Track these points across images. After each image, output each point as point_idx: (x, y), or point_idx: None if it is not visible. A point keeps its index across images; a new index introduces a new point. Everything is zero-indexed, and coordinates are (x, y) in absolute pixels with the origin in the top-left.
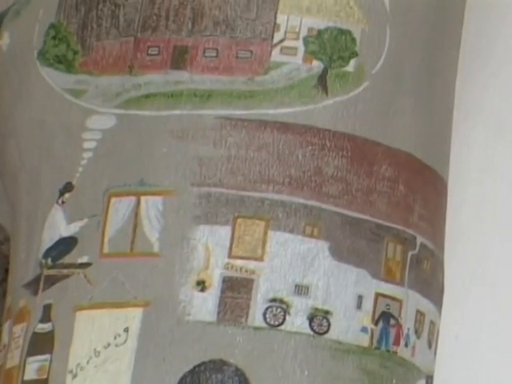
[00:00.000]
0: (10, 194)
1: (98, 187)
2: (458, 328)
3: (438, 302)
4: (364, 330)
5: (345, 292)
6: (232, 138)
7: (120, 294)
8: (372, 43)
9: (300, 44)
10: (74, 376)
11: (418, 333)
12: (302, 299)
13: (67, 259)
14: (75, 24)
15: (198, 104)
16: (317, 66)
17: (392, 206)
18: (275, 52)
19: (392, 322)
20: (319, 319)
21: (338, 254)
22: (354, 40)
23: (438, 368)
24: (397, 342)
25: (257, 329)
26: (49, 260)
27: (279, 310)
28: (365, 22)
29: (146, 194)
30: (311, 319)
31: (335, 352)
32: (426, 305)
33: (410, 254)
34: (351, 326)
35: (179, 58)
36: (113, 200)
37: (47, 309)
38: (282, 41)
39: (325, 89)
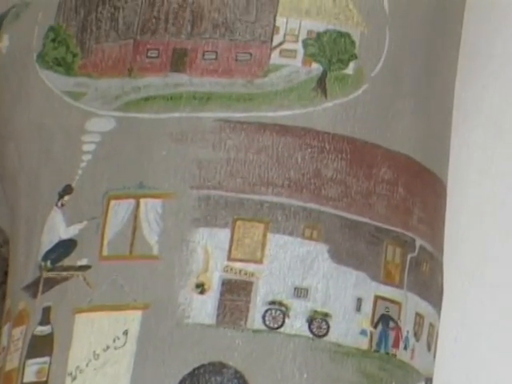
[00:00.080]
0: (9, 197)
1: (97, 190)
2: (457, 330)
3: (437, 304)
4: (363, 332)
5: (344, 295)
6: (231, 140)
7: (119, 296)
8: (371, 46)
9: (299, 47)
10: (74, 379)
11: (417, 335)
12: (301, 302)
13: (66, 262)
14: (74, 27)
15: (198, 107)
16: (316, 68)
17: (391, 208)
18: (274, 54)
19: (391, 324)
20: (318, 322)
21: (337, 256)
22: (353, 43)
23: (438, 370)
24: (396, 345)
25: (256, 331)
26: (48, 263)
27: (278, 312)
28: (364, 25)
29: (145, 196)
30: (310, 322)
31: (334, 355)
32: (425, 307)
33: (409, 256)
34: (350, 328)
35: (178, 61)
36: (112, 203)
37: (46, 311)
38: (281, 43)
39: (324, 91)
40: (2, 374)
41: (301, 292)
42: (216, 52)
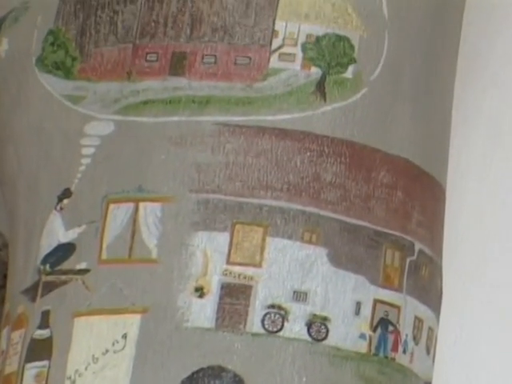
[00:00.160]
0: (8, 201)
1: (96, 193)
2: (456, 333)
3: (436, 308)
4: (362, 336)
5: (343, 298)
6: (230, 144)
7: (118, 300)
8: (370, 50)
9: (298, 50)
10: (73, 382)
11: (416, 339)
12: (300, 305)
13: (65, 265)
14: (74, 30)
15: (197, 110)
16: (315, 72)
17: (390, 212)
18: (273, 58)
19: (390, 328)
20: (317, 325)
21: (336, 260)
22: (352, 46)
23: (437, 374)
24: (395, 349)
25: (255, 335)
26: (47, 266)
27: (277, 316)
28: (363, 29)
29: (144, 200)
30: (309, 325)
31: (333, 358)
32: (424, 311)
33: (408, 260)
34: (349, 332)
35: (177, 65)
36: (111, 206)
37: (45, 315)
38: (280, 47)
39: (323, 95)
40: (1, 378)
41: (300, 296)
42: (215, 56)
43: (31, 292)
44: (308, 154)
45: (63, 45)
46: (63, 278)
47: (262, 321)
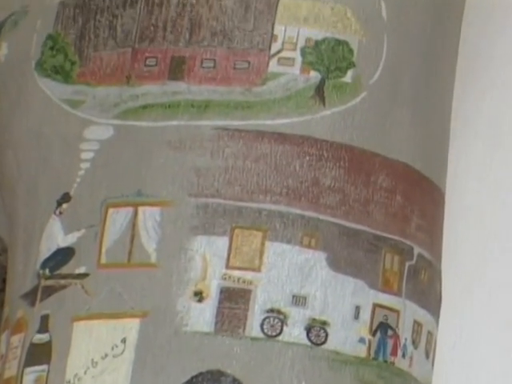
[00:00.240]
0: (7, 205)
1: (95, 198)
2: (455, 337)
3: (435, 312)
4: (361, 340)
5: (342, 303)
6: (229, 148)
7: (117, 304)
8: (369, 54)
9: (297, 55)
10: None
11: (415, 343)
12: (299, 310)
13: (65, 270)
14: (73, 35)
15: (196, 115)
16: (314, 76)
17: (389, 216)
18: (272, 63)
19: (389, 332)
20: (317, 330)
21: (335, 264)
22: (351, 51)
23: (437, 375)
24: (394, 353)
25: (254, 339)
26: (46, 271)
27: (277, 320)
28: (362, 33)
29: (143, 204)
30: (309, 330)
31: (333, 363)
32: (423, 315)
33: (407, 264)
34: (349, 336)
35: (177, 69)
36: (110, 211)
37: (45, 319)
38: (279, 51)
39: (322, 99)
40: (1, 382)
41: (299, 300)
42: (214, 60)
43: (30, 296)
44: (307, 158)
45: (62, 49)
46: (62, 282)
47: (261, 325)
